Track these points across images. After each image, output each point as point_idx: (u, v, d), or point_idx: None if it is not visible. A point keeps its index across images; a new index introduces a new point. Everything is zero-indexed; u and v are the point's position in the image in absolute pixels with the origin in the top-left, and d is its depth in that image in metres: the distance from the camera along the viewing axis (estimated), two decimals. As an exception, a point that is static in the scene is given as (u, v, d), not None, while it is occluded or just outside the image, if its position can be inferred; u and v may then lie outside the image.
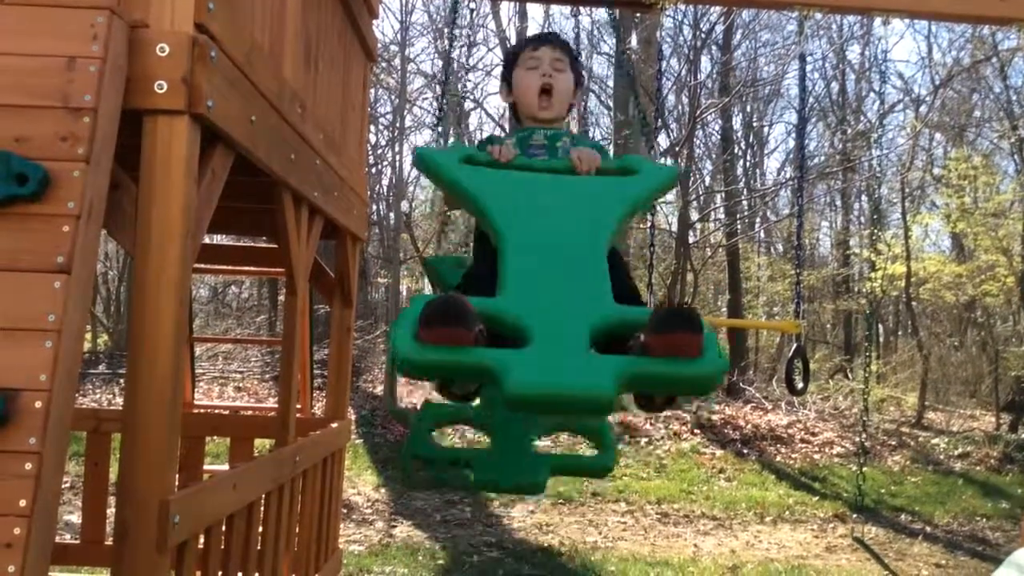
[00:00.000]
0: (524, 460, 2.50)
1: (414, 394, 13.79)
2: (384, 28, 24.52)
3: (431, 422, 2.69)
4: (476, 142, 2.74)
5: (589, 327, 1.91)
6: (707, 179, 21.49)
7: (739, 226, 18.41)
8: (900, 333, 22.48)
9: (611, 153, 2.61)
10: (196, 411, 5.37)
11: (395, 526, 7.83)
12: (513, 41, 20.31)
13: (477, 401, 2.45)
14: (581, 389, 1.78)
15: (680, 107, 18.51)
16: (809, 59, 16.47)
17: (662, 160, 16.13)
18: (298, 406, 4.57)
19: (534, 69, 2.72)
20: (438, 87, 18.10)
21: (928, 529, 8.64)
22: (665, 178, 2.45)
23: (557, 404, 1.84)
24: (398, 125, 16.05)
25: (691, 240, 16.84)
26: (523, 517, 8.40)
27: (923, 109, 18.79)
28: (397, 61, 15.76)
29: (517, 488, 2.61)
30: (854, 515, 8.96)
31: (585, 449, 2.46)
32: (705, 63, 17.97)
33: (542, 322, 1.88)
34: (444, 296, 1.92)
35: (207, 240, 5.17)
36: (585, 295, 1.97)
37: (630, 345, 1.93)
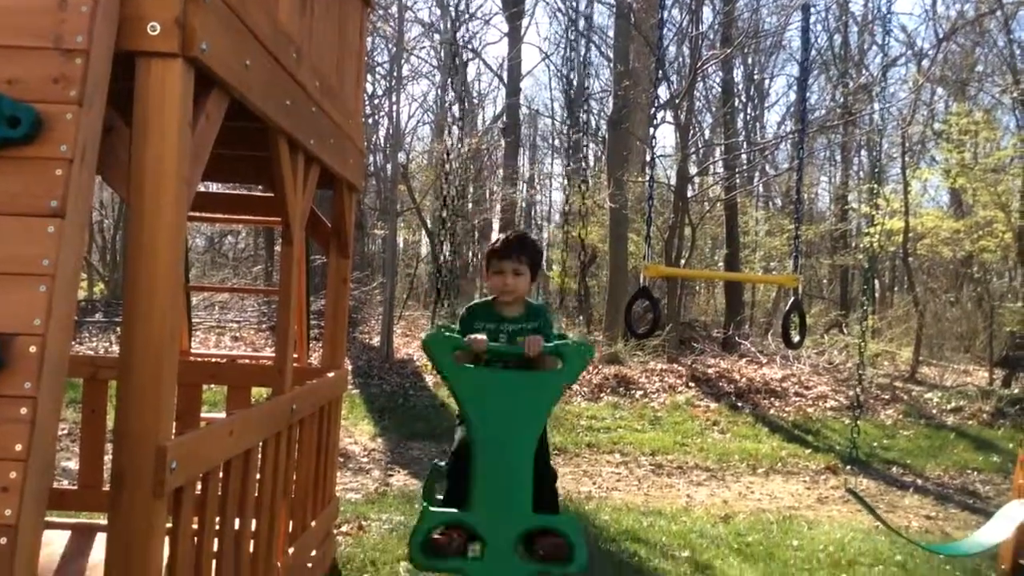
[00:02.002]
0: (510, 567, 3.17)
1: (411, 345, 13.84)
2: (381, -25, 24.14)
3: (431, 526, 3.23)
4: (466, 309, 3.69)
5: (517, 534, 3.18)
6: (707, 132, 21.38)
7: (738, 180, 18.35)
8: (896, 288, 22.55)
9: (551, 317, 3.75)
10: (193, 359, 5.37)
11: (391, 475, 7.90)
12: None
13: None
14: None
15: (681, 59, 18.33)
16: (812, 11, 16.28)
17: (660, 114, 16.01)
18: (295, 356, 4.58)
19: (499, 275, 3.54)
20: (436, 36, 17.92)
21: (919, 482, 8.73)
22: (582, 365, 3.46)
23: None
24: (395, 74, 15.87)
25: (689, 194, 16.78)
26: (518, 467, 8.47)
27: (925, 63, 18.65)
28: (394, 8, 15.54)
29: None
30: (847, 467, 9.05)
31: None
32: (707, 14, 17.74)
33: (491, 533, 3.16)
34: (437, 541, 3.17)
35: (202, 188, 5.14)
36: (517, 508, 3.19)
37: (535, 549, 3.21)
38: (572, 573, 3.18)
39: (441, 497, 3.51)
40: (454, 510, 3.30)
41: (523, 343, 3.39)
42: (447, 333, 3.43)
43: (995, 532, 5.29)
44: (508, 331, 3.55)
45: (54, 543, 4.09)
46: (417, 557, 3.19)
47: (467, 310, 3.66)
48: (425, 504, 3.36)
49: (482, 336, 3.40)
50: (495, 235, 4.21)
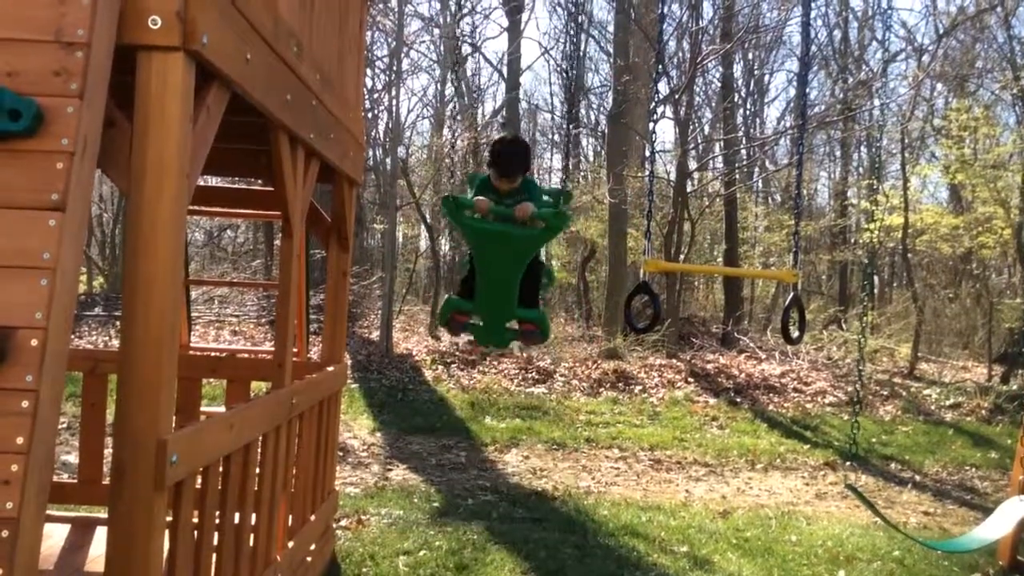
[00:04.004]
0: (500, 332, 4.78)
1: (410, 339, 13.89)
2: (381, -31, 24.08)
3: (451, 309, 4.75)
4: (477, 173, 5.11)
5: (505, 319, 4.71)
6: (706, 128, 21.36)
7: (737, 176, 18.32)
8: (895, 284, 22.56)
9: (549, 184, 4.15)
10: (192, 353, 5.37)
11: (391, 469, 7.90)
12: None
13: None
14: (499, 341, 4.92)
15: (681, 53, 18.30)
16: (812, 6, 16.23)
17: (659, 109, 15.99)
18: (294, 350, 4.58)
19: (500, 181, 4.54)
20: (435, 30, 17.90)
21: (918, 478, 8.74)
22: (559, 229, 4.57)
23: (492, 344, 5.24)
24: (395, 68, 15.83)
25: (689, 189, 16.76)
26: (517, 462, 8.48)
27: (925, 59, 18.62)
28: (394, 2, 15.50)
29: (496, 345, 5.13)
30: (846, 463, 9.06)
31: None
32: (707, 8, 17.71)
33: (488, 319, 4.75)
34: (454, 318, 4.79)
35: (201, 182, 5.13)
36: (507, 304, 4.59)
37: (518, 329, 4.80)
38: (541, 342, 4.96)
39: (456, 296, 4.82)
40: (466, 302, 4.67)
41: (516, 209, 4.35)
42: (459, 197, 4.50)
43: (994, 528, 5.30)
44: (505, 203, 4.49)
45: (54, 536, 4.10)
46: (443, 322, 4.81)
47: (478, 184, 4.62)
48: (447, 296, 5.22)
49: (484, 199, 4.43)
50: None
